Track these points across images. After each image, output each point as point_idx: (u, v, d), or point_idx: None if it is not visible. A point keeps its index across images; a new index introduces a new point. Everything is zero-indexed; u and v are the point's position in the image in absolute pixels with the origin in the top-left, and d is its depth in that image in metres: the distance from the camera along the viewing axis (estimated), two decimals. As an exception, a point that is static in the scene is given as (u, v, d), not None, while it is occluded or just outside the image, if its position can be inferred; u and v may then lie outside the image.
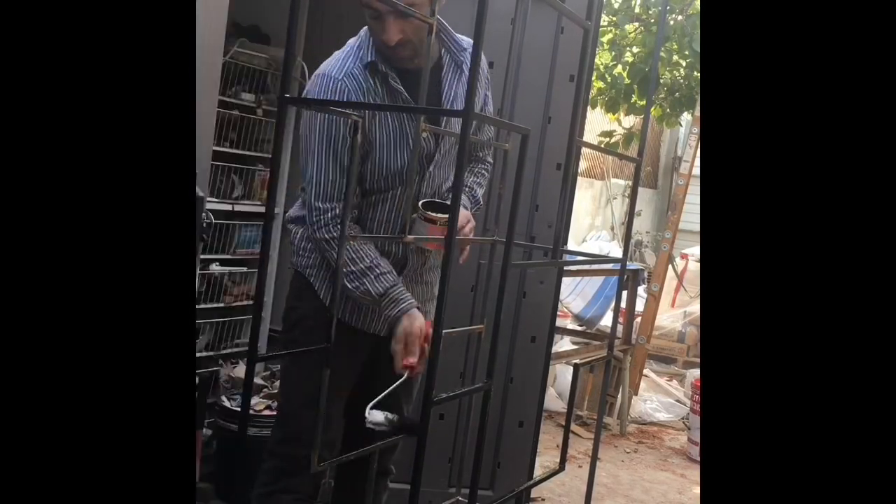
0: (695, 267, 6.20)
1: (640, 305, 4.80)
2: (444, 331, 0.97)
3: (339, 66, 1.79)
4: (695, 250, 6.40)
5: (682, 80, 5.26)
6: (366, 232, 1.80)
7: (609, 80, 5.35)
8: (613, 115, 5.53)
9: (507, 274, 1.07)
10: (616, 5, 5.04)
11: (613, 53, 5.31)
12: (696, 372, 4.66)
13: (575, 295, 5.43)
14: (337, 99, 1.75)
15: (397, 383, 1.53)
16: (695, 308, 5.97)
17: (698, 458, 3.85)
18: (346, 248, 1.67)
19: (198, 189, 1.86)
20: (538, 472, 2.91)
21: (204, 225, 2.25)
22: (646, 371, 5.03)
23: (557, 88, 2.72)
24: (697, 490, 3.39)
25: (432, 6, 1.57)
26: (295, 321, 1.87)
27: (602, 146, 5.42)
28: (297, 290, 1.89)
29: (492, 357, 1.12)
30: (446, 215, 1.67)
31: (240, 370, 2.93)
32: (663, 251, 4.73)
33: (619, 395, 4.38)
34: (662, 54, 4.86)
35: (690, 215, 6.05)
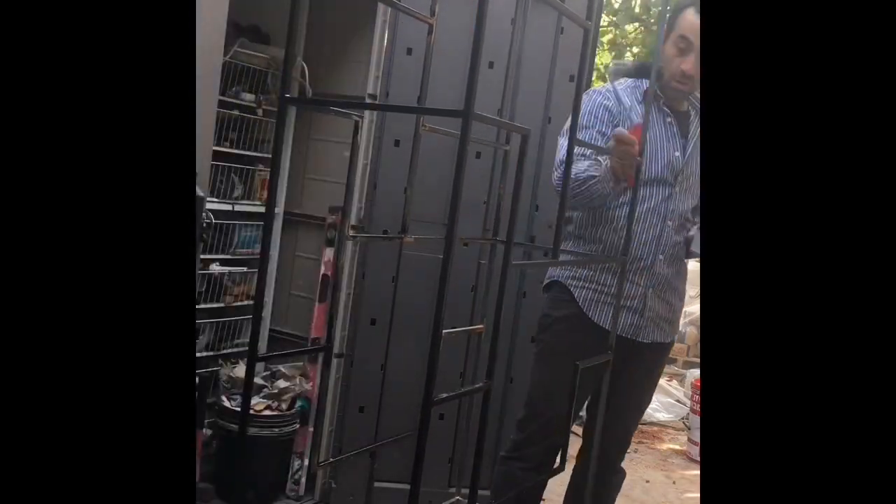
0: (695, 267, 6.20)
1: (640, 305, 4.79)
2: (444, 331, 0.97)
3: (617, 84, 2.10)
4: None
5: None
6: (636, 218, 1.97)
7: (609, 80, 5.35)
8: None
9: (507, 274, 1.08)
10: (616, 5, 5.04)
11: (613, 53, 5.32)
12: (696, 372, 4.66)
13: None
14: (612, 101, 2.04)
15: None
16: (695, 308, 5.97)
17: (698, 458, 3.85)
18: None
19: (198, 189, 1.86)
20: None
21: (204, 225, 2.26)
22: (646, 371, 5.03)
23: (557, 89, 2.72)
24: (697, 490, 3.38)
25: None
26: (547, 325, 2.13)
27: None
28: (554, 298, 2.13)
29: (492, 357, 1.12)
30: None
31: (240, 370, 2.93)
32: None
33: (619, 395, 4.37)
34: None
35: (690, 215, 6.04)
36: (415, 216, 1.72)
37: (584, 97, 2.04)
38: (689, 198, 2.08)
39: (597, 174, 1.87)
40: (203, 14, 1.56)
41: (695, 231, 2.07)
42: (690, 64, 1.95)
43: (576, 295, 2.06)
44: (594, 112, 2.02)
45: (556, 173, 2.02)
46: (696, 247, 2.06)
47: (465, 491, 1.28)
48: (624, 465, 3.93)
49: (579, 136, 1.93)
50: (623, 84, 2.09)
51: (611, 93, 2.05)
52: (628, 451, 4.08)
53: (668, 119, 2.05)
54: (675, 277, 2.11)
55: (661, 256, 2.05)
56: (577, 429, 4.20)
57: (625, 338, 2.04)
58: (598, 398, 2.16)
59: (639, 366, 2.13)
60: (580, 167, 1.90)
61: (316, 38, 3.05)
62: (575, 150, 1.78)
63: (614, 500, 2.29)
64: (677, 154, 2.04)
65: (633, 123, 1.97)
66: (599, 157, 1.91)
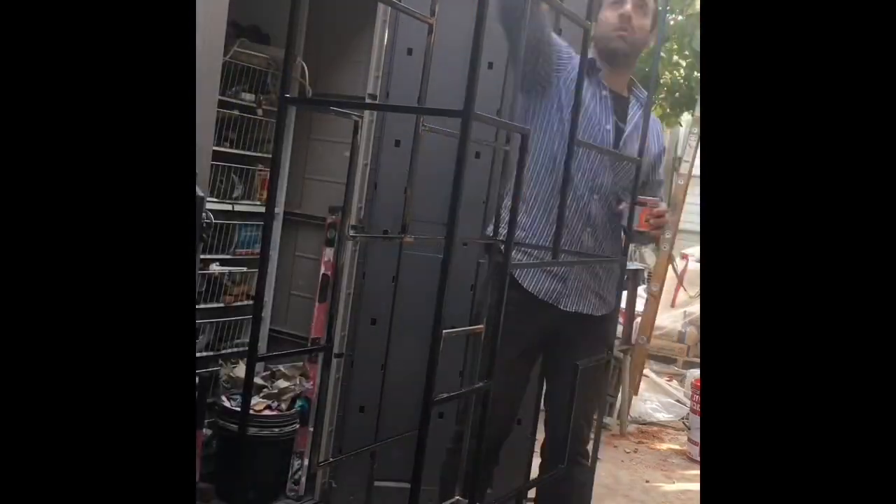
0: (695, 267, 6.20)
1: (640, 305, 4.80)
2: (444, 331, 0.97)
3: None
4: (695, 250, 6.39)
5: (682, 80, 5.26)
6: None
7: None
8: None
9: (507, 274, 1.08)
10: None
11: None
12: (696, 372, 4.66)
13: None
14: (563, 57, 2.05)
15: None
16: (695, 308, 5.97)
17: (698, 458, 3.85)
18: None
19: (198, 189, 1.86)
20: (538, 472, 2.91)
21: (204, 225, 2.26)
22: (646, 371, 5.03)
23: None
24: (697, 491, 3.38)
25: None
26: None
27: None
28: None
29: (492, 357, 1.12)
30: (656, 198, 2.00)
31: (240, 370, 2.93)
32: (663, 251, 4.73)
33: (619, 395, 4.38)
34: (662, 54, 4.86)
35: (690, 215, 6.05)
36: (415, 216, 1.72)
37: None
38: (619, 179, 2.07)
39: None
40: (203, 14, 1.55)
41: (624, 205, 2.04)
42: (628, 7, 1.97)
43: (517, 275, 2.04)
44: (568, 51, 2.07)
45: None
46: (626, 221, 1.98)
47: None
48: (624, 464, 3.94)
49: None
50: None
51: (572, 49, 2.08)
52: (628, 451, 4.09)
53: (604, 93, 2.04)
54: (603, 252, 2.11)
55: (588, 229, 2.05)
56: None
57: (546, 303, 2.03)
58: (553, 391, 2.20)
59: (568, 339, 2.09)
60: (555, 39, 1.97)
61: (316, 38, 3.05)
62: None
63: (586, 498, 2.14)
64: (608, 128, 2.04)
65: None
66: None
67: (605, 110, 2.05)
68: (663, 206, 2.03)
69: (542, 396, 2.20)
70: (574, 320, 2.08)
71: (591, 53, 2.02)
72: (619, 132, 2.08)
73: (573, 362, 2.07)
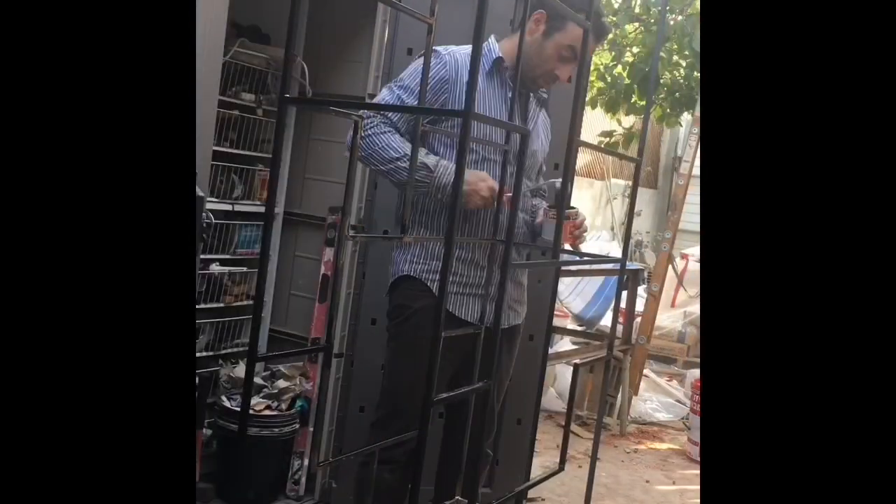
0: (695, 267, 6.20)
1: (640, 305, 4.80)
2: (443, 332, 0.97)
3: (457, 49, 2.01)
4: (695, 250, 6.40)
5: (682, 80, 5.26)
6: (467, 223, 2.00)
7: (609, 80, 5.35)
8: (613, 115, 5.53)
9: (507, 274, 1.08)
10: (616, 5, 5.04)
11: (613, 53, 5.31)
12: (696, 372, 4.66)
13: (575, 295, 5.42)
14: (433, 70, 1.95)
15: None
16: (695, 308, 5.96)
17: (698, 458, 3.85)
18: (384, 141, 1.92)
19: (198, 189, 1.86)
20: (538, 473, 2.92)
21: (204, 225, 2.26)
22: (646, 371, 5.03)
23: (556, 88, 2.72)
24: (697, 491, 3.39)
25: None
26: (406, 317, 2.06)
27: (602, 146, 5.42)
28: (409, 291, 2.06)
29: (492, 357, 1.12)
30: (574, 209, 1.98)
31: (240, 370, 2.93)
32: (663, 251, 4.73)
33: (619, 395, 4.38)
34: (662, 54, 4.86)
35: (690, 215, 6.05)
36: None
37: (418, 61, 1.99)
38: (525, 180, 2.05)
39: (428, 164, 1.88)
40: (203, 14, 1.56)
41: (541, 216, 2.02)
42: (568, 74, 1.98)
43: (433, 288, 2.01)
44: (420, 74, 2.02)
45: (367, 130, 1.92)
46: (546, 234, 1.99)
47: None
48: (624, 464, 3.94)
49: (407, 98, 1.93)
50: (467, 50, 2.00)
51: (451, 57, 1.98)
52: (628, 451, 4.09)
53: (510, 94, 2.00)
54: (520, 258, 2.09)
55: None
56: (578, 429, 4.22)
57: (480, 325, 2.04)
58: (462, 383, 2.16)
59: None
60: (401, 143, 1.89)
61: (316, 38, 3.05)
62: (402, 119, 1.90)
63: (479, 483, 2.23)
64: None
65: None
66: (431, 155, 1.93)
67: (507, 109, 2.00)
68: (582, 215, 2.03)
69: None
70: (505, 333, 2.08)
71: (498, 51, 2.00)
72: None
73: (501, 368, 2.09)
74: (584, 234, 2.03)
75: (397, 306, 2.08)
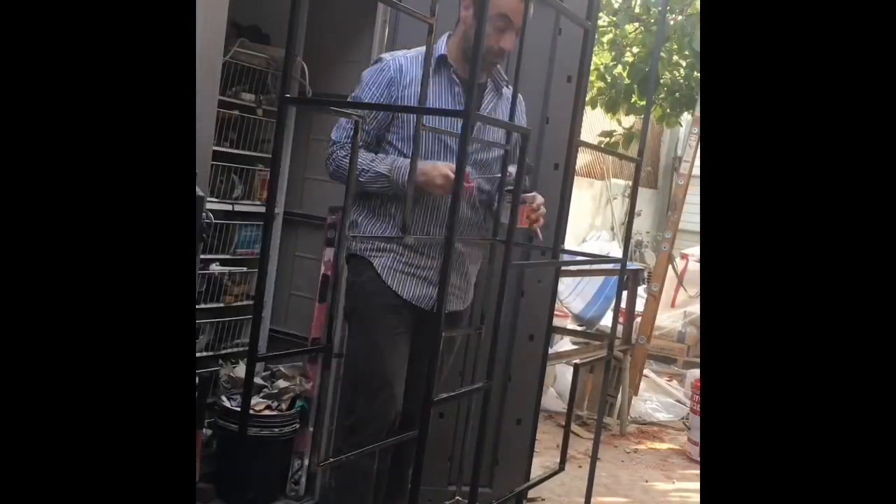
0: (695, 267, 6.20)
1: (640, 305, 4.79)
2: (443, 333, 0.97)
3: (401, 54, 2.09)
4: (695, 250, 6.39)
5: (682, 80, 5.26)
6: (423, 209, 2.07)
7: (609, 80, 5.35)
8: (613, 115, 5.53)
9: (507, 274, 1.08)
10: (616, 5, 5.04)
11: (613, 53, 5.31)
12: (696, 372, 4.65)
13: (575, 295, 5.42)
14: (381, 75, 2.05)
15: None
16: (695, 308, 5.96)
17: (698, 458, 3.85)
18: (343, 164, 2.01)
19: (198, 189, 1.86)
20: (539, 473, 2.91)
21: (204, 225, 2.26)
22: (646, 371, 5.03)
23: (555, 89, 2.72)
24: (697, 490, 3.39)
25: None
26: (354, 292, 2.15)
27: (602, 146, 5.42)
28: (355, 267, 2.16)
29: (492, 357, 1.12)
30: (532, 193, 2.01)
31: (240, 370, 2.93)
32: (663, 251, 4.73)
33: (619, 395, 4.38)
34: (662, 54, 4.86)
35: (690, 215, 6.05)
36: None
37: (372, 68, 2.10)
38: (480, 171, 2.11)
39: (383, 173, 1.98)
40: (203, 14, 1.56)
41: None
42: (511, 42, 1.97)
43: (374, 264, 2.09)
44: (377, 82, 2.05)
45: (333, 156, 2.05)
46: (505, 219, 1.99)
47: (465, 489, 1.29)
48: (624, 464, 3.93)
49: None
50: (413, 52, 2.08)
51: (395, 61, 2.06)
52: (628, 451, 4.09)
53: (457, 89, 2.06)
54: (468, 247, 2.15)
55: (460, 224, 2.07)
56: (578, 429, 4.22)
57: (422, 308, 2.10)
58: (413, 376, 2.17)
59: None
60: (364, 158, 1.97)
61: (316, 38, 3.04)
62: (373, 128, 2.01)
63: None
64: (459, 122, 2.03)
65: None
66: (384, 155, 2.01)
67: (457, 105, 2.07)
68: (539, 198, 2.06)
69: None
70: (446, 318, 2.08)
71: (443, 49, 2.05)
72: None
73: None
74: (542, 217, 2.05)
75: (348, 285, 2.16)
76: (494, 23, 1.96)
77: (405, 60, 2.05)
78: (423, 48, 2.03)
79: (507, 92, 2.17)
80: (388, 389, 2.05)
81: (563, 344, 4.72)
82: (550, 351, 3.26)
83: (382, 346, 2.05)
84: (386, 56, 2.09)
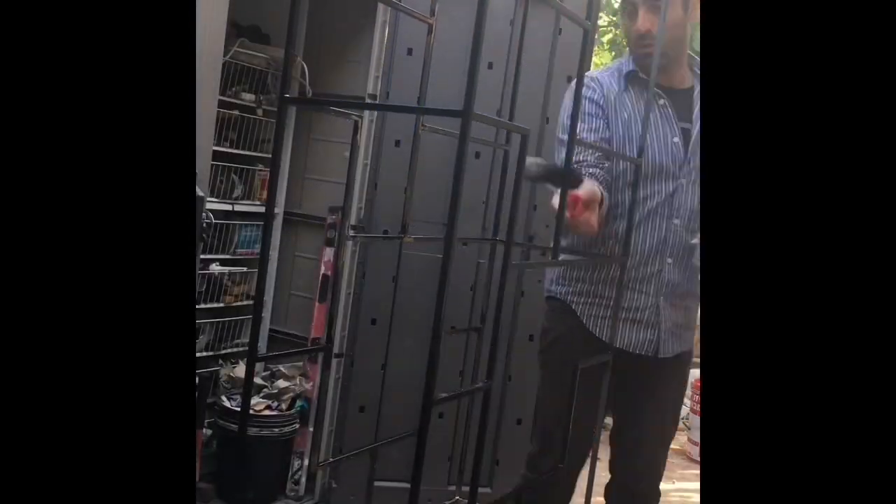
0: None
1: (639, 305, 4.78)
2: (443, 332, 0.97)
3: (605, 70, 1.93)
4: (694, 250, 6.38)
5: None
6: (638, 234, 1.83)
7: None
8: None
9: (507, 274, 1.08)
10: (616, 5, 5.04)
11: (613, 53, 5.32)
12: (696, 372, 4.65)
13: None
14: (597, 92, 1.86)
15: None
16: (694, 308, 5.94)
17: (698, 458, 3.84)
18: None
19: (198, 189, 1.86)
20: None
21: (204, 225, 2.26)
22: (646, 371, 5.01)
23: (555, 89, 2.72)
24: (697, 491, 3.38)
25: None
26: (551, 341, 1.98)
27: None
28: (553, 311, 1.98)
29: (492, 357, 1.12)
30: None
31: (240, 370, 2.93)
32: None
33: (619, 395, 4.37)
34: (662, 54, 4.86)
35: (690, 215, 6.03)
36: (415, 216, 1.72)
37: (567, 93, 1.92)
38: (698, 189, 1.81)
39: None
40: (203, 14, 1.56)
41: (696, 239, 1.85)
42: (640, 23, 1.77)
43: (578, 312, 1.89)
44: (583, 109, 1.83)
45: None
46: (695, 259, 1.85)
47: (465, 489, 1.29)
48: (624, 464, 3.91)
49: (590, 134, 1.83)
50: (606, 70, 1.92)
51: (594, 82, 1.86)
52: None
53: (662, 101, 1.82)
54: (688, 281, 1.87)
55: (668, 260, 1.83)
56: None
57: (642, 355, 1.86)
58: (620, 425, 2.04)
59: (664, 383, 1.95)
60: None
61: (316, 38, 3.05)
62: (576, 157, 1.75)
63: None
64: (676, 140, 1.81)
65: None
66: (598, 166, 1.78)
67: (667, 120, 1.82)
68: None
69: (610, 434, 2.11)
70: (672, 362, 1.92)
71: (630, 64, 1.87)
72: (687, 138, 1.82)
73: (667, 402, 1.98)
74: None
75: (543, 331, 2.00)
76: (625, 13, 1.82)
77: (606, 76, 1.87)
78: (614, 65, 1.90)
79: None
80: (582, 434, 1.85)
81: (563, 344, 4.70)
82: (550, 351, 3.25)
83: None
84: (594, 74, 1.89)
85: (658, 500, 2.08)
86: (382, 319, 2.71)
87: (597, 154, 1.81)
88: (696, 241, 1.84)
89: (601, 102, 1.84)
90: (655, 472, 2.06)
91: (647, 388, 1.94)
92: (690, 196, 1.83)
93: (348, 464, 2.65)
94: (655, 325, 1.86)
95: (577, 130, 1.62)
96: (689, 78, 1.89)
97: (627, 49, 1.92)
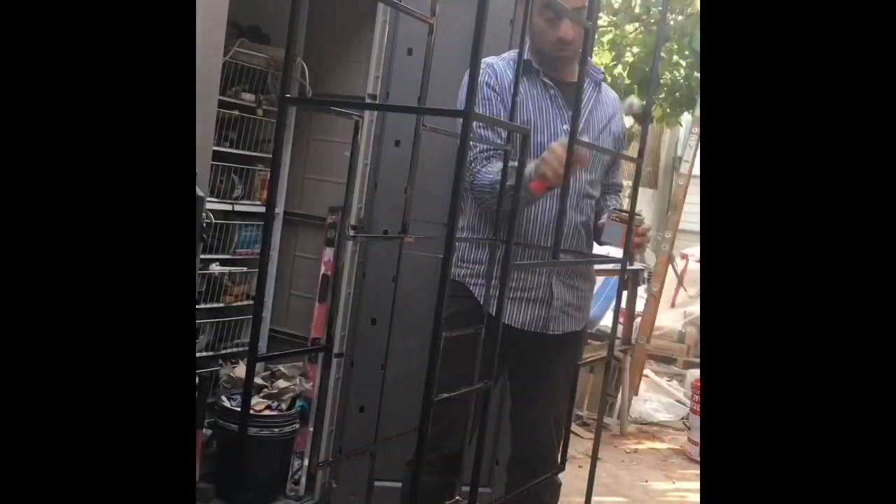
0: (695, 267, 6.20)
1: (640, 305, 4.80)
2: (443, 332, 0.97)
3: (499, 59, 1.99)
4: (695, 250, 6.40)
5: (682, 80, 5.26)
6: (525, 223, 1.94)
7: (609, 80, 5.35)
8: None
9: (508, 274, 1.08)
10: (616, 5, 5.04)
11: (613, 53, 5.31)
12: (696, 372, 4.66)
13: (575, 295, 5.41)
14: (494, 79, 1.93)
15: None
16: (695, 308, 5.97)
17: (698, 458, 3.85)
18: (488, 175, 1.86)
19: (198, 189, 1.86)
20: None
21: (204, 225, 2.26)
22: (646, 371, 5.04)
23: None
24: (697, 490, 3.39)
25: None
26: (445, 320, 1.97)
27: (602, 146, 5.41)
28: (450, 295, 1.97)
29: (492, 357, 1.12)
30: (640, 216, 1.85)
31: (240, 370, 2.93)
32: (663, 251, 4.73)
33: (619, 395, 4.38)
34: (662, 54, 4.86)
35: (690, 215, 6.05)
36: (415, 216, 1.72)
37: (466, 77, 1.90)
38: (584, 173, 1.96)
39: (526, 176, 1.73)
40: (203, 14, 1.56)
41: (605, 218, 1.94)
42: (569, 30, 1.85)
43: (475, 293, 1.96)
44: (480, 94, 1.90)
45: (480, 174, 1.88)
46: (608, 237, 1.92)
47: (465, 489, 1.29)
48: (624, 464, 3.93)
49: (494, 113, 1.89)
50: (505, 57, 1.99)
51: (489, 68, 1.95)
52: (628, 451, 4.09)
53: (552, 91, 1.95)
54: (583, 264, 2.01)
55: (577, 239, 1.96)
56: (578, 429, 4.22)
57: (533, 332, 1.96)
58: (517, 405, 2.09)
59: (557, 362, 2.02)
60: (492, 170, 1.82)
61: (316, 38, 3.05)
62: (483, 146, 1.85)
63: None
64: (565, 127, 1.92)
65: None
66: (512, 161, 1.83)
67: (557, 109, 1.95)
68: (647, 223, 1.95)
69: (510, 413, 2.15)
70: (561, 339, 2.00)
71: (527, 55, 1.94)
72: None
73: (557, 378, 2.04)
74: (646, 242, 1.94)
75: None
76: (546, 17, 1.88)
77: (503, 65, 1.94)
78: (513, 53, 1.97)
79: (605, 87, 2.07)
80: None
81: (564, 344, 4.71)
82: (550, 351, 3.25)
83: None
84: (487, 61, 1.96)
85: (559, 470, 2.12)
86: (382, 319, 2.71)
87: (501, 139, 1.86)
88: (603, 221, 1.95)
89: (497, 88, 1.94)
90: (552, 446, 2.09)
91: (540, 366, 2.03)
92: (575, 180, 1.96)
93: (348, 464, 2.65)
94: (547, 304, 1.96)
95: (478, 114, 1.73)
96: (576, 72, 1.98)
97: (529, 43, 1.96)
